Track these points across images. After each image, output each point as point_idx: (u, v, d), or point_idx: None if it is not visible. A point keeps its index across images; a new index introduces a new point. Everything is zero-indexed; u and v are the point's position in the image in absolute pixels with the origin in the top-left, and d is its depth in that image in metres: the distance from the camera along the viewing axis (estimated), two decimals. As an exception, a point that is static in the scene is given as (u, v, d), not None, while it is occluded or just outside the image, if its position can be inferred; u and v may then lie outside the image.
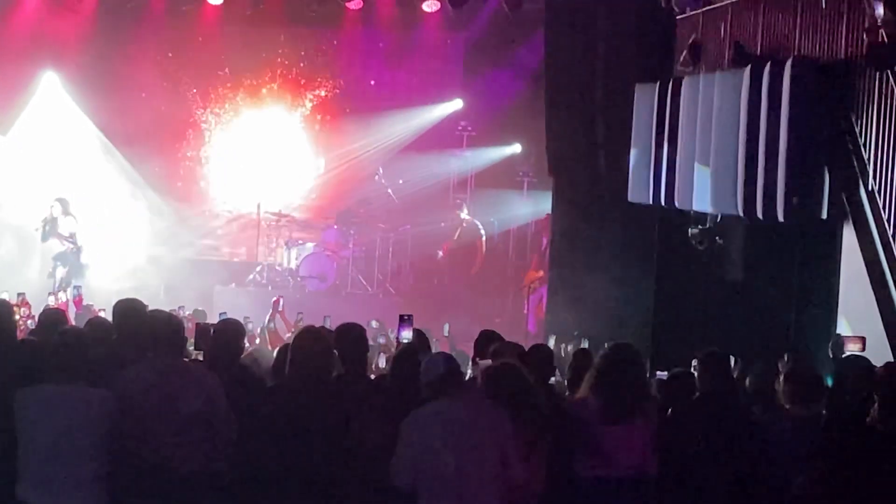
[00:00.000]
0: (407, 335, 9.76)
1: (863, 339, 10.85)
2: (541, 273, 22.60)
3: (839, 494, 6.66)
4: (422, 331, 10.36)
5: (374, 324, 18.16)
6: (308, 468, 7.59)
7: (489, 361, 8.66)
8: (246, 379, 8.31)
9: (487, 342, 9.16)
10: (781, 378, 8.83)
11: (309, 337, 8.12)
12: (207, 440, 7.66)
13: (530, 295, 22.61)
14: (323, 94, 25.63)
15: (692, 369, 9.55)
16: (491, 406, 7.28)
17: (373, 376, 9.18)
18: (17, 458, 7.46)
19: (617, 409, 7.83)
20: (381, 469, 7.33)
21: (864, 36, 12.47)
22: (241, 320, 10.31)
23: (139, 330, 8.91)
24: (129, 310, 8.99)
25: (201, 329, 8.97)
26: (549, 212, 22.54)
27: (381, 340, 16.63)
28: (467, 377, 8.96)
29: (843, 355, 11.22)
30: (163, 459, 7.53)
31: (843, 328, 13.32)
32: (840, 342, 11.59)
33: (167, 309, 10.50)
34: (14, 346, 8.27)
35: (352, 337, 8.29)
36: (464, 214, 25.24)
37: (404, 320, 9.91)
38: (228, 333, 8.73)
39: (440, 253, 24.93)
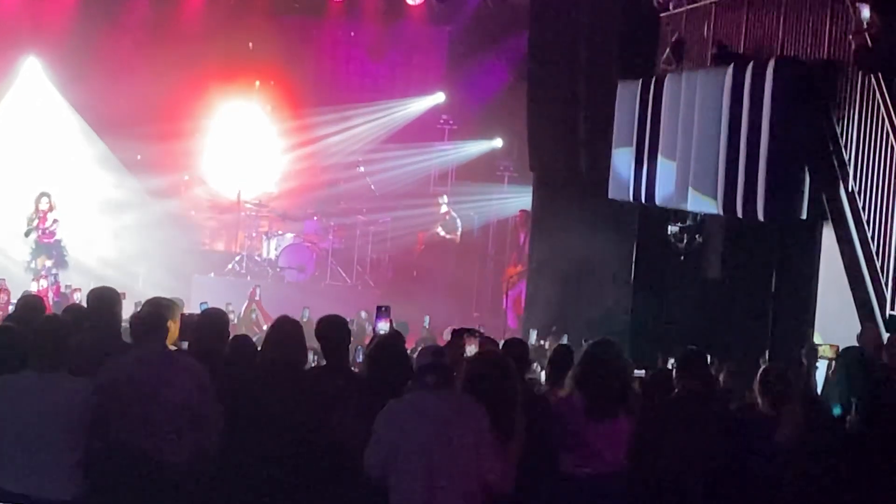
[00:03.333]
0: (384, 326, 9.72)
1: (836, 348, 10.86)
2: (519, 268, 22.62)
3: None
4: (400, 324, 10.36)
5: (363, 314, 18.18)
6: (282, 459, 7.59)
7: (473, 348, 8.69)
8: (232, 368, 8.25)
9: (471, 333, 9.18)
10: (757, 378, 8.85)
11: (284, 327, 8.10)
12: (194, 430, 7.63)
13: (509, 290, 22.63)
14: (305, 85, 25.58)
15: (669, 366, 9.58)
16: (468, 401, 7.25)
17: (355, 369, 9.15)
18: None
19: (601, 405, 7.83)
20: (358, 461, 7.33)
21: (851, 39, 12.49)
22: (223, 307, 10.29)
23: (115, 318, 8.92)
24: (103, 297, 8.96)
25: (186, 319, 8.94)
26: (521, 209, 22.64)
27: (369, 331, 16.62)
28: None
29: (816, 362, 11.25)
30: (147, 449, 7.49)
31: (820, 329, 13.35)
32: (813, 349, 11.61)
33: (144, 298, 10.45)
34: (-7, 333, 8.24)
35: (334, 329, 8.27)
36: (443, 207, 25.25)
37: (381, 311, 9.86)
38: (214, 323, 8.72)
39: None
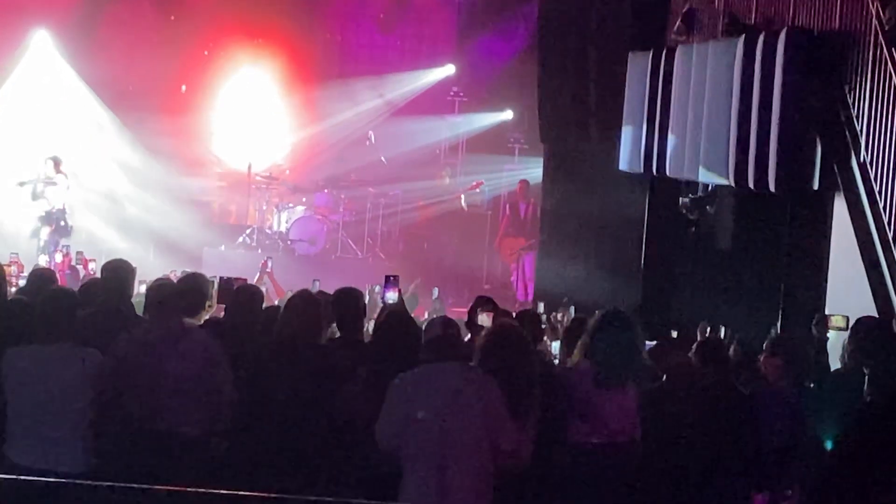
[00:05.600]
0: (392, 296, 9.73)
1: (847, 319, 10.85)
2: (521, 241, 22.58)
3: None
4: (410, 296, 10.36)
5: (376, 289, 18.17)
6: (294, 432, 7.60)
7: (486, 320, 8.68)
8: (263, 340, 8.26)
9: (482, 307, 9.18)
10: (768, 351, 8.85)
11: (301, 300, 8.12)
12: (206, 404, 7.65)
13: (517, 262, 22.58)
14: (315, 57, 25.53)
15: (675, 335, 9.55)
16: (480, 373, 7.25)
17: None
18: (4, 417, 7.45)
19: (610, 374, 7.85)
20: (370, 433, 7.33)
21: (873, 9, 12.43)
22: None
23: (129, 291, 8.96)
24: (117, 270, 8.99)
25: (224, 284, 8.97)
26: (521, 179, 22.63)
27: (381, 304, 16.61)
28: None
29: (827, 334, 11.24)
30: (159, 422, 7.52)
31: (831, 299, 13.34)
32: (824, 321, 11.60)
33: (157, 271, 10.49)
34: (3, 306, 8.26)
35: (349, 301, 8.29)
36: (446, 181, 25.24)
37: (390, 281, 9.86)
38: (254, 294, 8.81)
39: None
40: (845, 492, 5.89)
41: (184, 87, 25.29)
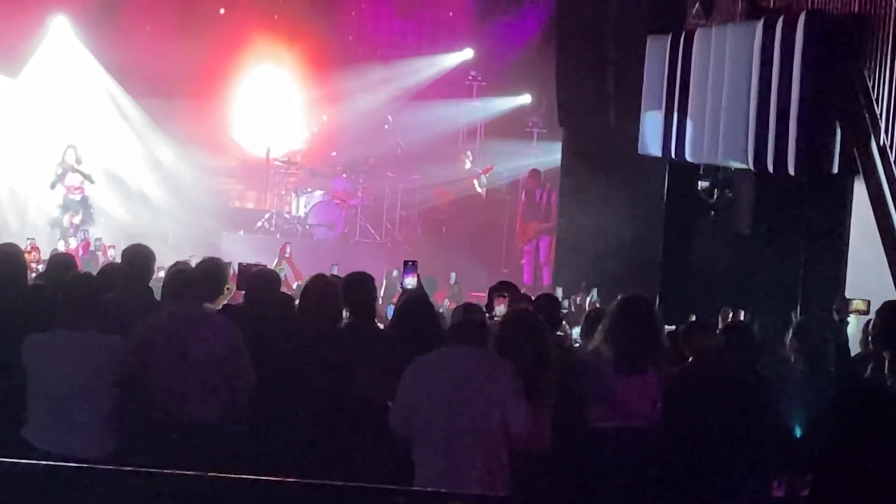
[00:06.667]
0: (411, 281, 9.71)
1: (867, 303, 10.80)
2: (536, 224, 22.53)
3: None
4: (428, 280, 10.35)
5: (394, 272, 18.19)
6: (312, 417, 7.62)
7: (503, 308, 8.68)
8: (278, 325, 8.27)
9: (496, 293, 9.17)
10: (790, 334, 8.83)
11: (319, 284, 8.13)
12: (225, 389, 7.67)
13: (534, 245, 22.48)
14: (333, 42, 25.51)
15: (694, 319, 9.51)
16: (495, 358, 7.24)
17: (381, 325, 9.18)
18: (25, 401, 7.49)
19: (630, 359, 7.83)
20: (385, 418, 7.35)
21: None
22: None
23: (149, 276, 8.98)
24: (138, 255, 9.02)
25: (243, 269, 9.00)
26: (532, 168, 22.58)
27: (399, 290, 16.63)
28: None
29: (848, 317, 11.19)
30: (178, 407, 7.54)
31: (851, 284, 13.30)
32: (844, 304, 11.55)
33: (176, 256, 10.51)
34: (24, 291, 8.29)
35: (361, 286, 8.29)
36: (467, 165, 25.21)
37: (408, 266, 9.84)
38: (273, 279, 8.82)
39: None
40: (860, 476, 5.89)
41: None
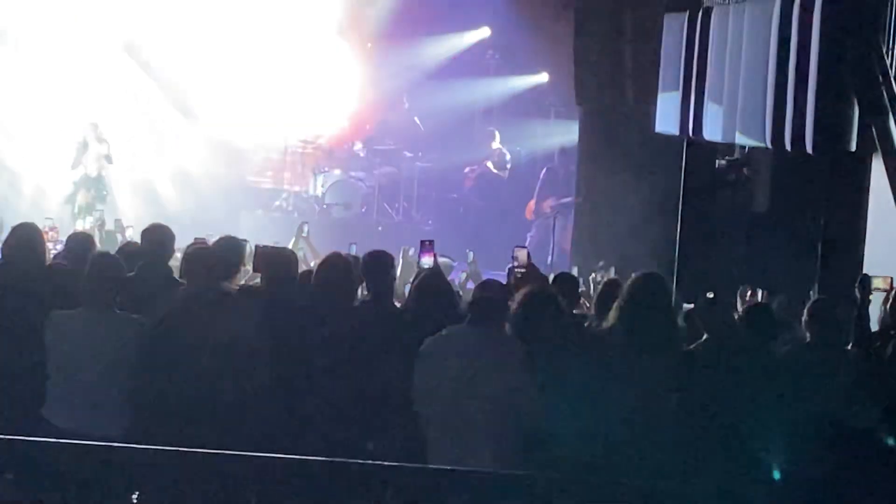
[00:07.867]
0: (428, 261, 9.68)
1: (890, 280, 10.78)
2: (550, 201, 22.52)
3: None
4: (445, 260, 10.32)
5: (410, 251, 18.18)
6: (328, 396, 7.64)
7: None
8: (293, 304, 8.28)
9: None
10: (806, 313, 8.80)
11: (334, 263, 8.14)
12: (242, 369, 7.69)
13: (552, 221, 22.47)
14: (349, 21, 25.45)
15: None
16: (507, 338, 7.23)
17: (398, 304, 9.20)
18: (45, 379, 7.53)
19: (644, 338, 7.81)
20: (401, 397, 7.37)
21: None
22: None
23: (168, 256, 9.01)
24: (156, 235, 9.06)
25: (260, 251, 9.04)
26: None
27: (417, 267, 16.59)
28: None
29: (870, 295, 11.16)
30: (197, 386, 7.58)
31: (869, 262, 13.27)
32: (867, 282, 11.52)
33: (193, 235, 10.52)
34: (44, 271, 8.33)
35: (380, 264, 8.30)
36: (494, 144, 25.15)
37: (426, 245, 9.80)
38: (289, 259, 8.80)
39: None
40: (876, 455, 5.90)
41: None
